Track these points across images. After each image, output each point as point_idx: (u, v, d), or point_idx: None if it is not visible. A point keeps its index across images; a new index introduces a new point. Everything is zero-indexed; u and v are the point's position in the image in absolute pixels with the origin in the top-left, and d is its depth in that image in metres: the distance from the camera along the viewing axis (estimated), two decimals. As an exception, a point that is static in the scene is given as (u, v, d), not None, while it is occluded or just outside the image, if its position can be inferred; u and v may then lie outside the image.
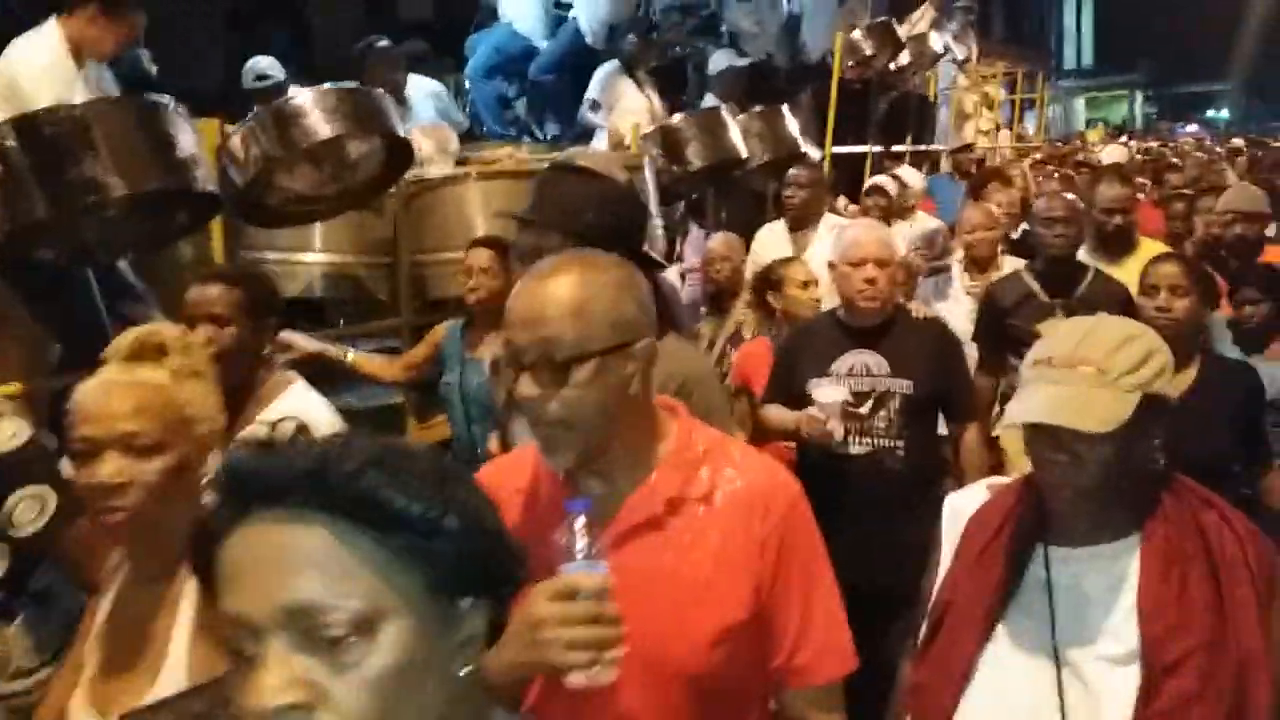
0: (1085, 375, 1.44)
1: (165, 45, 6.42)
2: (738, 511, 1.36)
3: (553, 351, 1.28)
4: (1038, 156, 10.92)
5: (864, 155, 7.91)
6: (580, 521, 1.21)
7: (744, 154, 5.82)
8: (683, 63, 8.00)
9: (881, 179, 5.83)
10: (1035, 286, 3.72)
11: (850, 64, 7.61)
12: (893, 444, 2.90)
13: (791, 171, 4.94)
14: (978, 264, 4.54)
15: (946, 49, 9.28)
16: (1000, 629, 1.52)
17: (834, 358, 2.98)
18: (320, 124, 3.64)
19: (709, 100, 7.18)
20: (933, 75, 9.07)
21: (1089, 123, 35.53)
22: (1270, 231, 4.89)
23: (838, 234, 3.12)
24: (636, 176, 5.15)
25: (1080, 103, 42.33)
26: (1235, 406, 2.74)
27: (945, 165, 9.59)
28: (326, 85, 3.82)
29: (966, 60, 10.03)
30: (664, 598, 1.32)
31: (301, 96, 3.75)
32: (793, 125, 6.48)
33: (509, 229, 4.51)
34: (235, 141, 3.61)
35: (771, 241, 5.00)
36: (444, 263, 4.31)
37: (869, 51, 7.67)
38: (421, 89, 6.44)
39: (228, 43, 8.10)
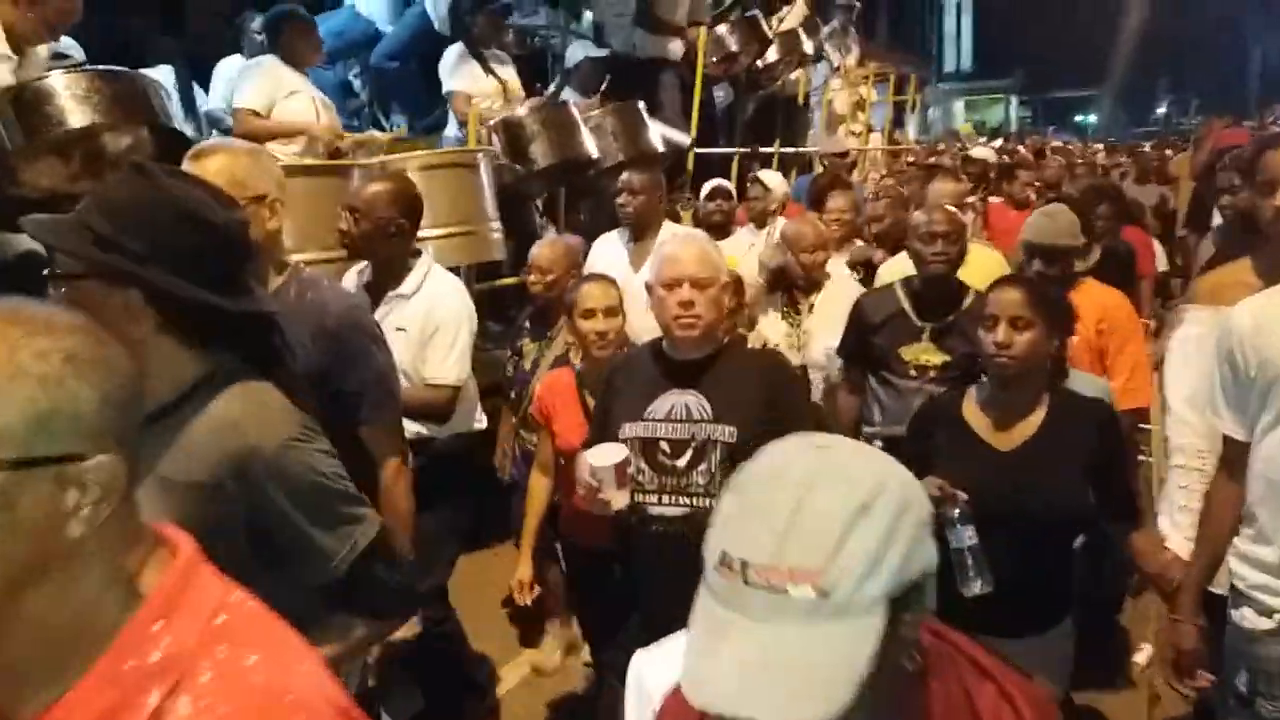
0: (798, 603, 0.91)
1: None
2: None
3: None
4: (910, 160, 10.86)
5: (730, 156, 7.59)
6: None
7: (593, 153, 5.42)
8: (543, 53, 7.55)
9: (719, 182, 5.46)
10: (906, 305, 3.42)
11: (714, 60, 7.27)
12: (715, 504, 2.47)
13: (624, 175, 4.53)
14: (807, 288, 4.09)
15: (819, 50, 9.04)
16: None
17: (651, 398, 2.53)
18: (69, 111, 3.12)
19: (566, 94, 6.77)
20: (803, 76, 8.81)
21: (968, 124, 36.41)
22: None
23: (656, 249, 2.69)
24: (471, 174, 4.74)
25: (959, 105, 43.48)
26: (1087, 450, 2.42)
27: (819, 168, 9.40)
28: (81, 68, 3.29)
29: (840, 67, 9.80)
30: None
31: (51, 79, 3.22)
32: (650, 122, 6.12)
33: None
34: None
35: (607, 254, 4.58)
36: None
37: (734, 47, 7.34)
38: (233, 70, 5.86)
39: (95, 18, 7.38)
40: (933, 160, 8.16)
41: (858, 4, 10.26)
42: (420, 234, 4.45)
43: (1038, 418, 2.46)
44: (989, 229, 7.48)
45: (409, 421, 3.22)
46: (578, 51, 6.81)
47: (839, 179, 6.72)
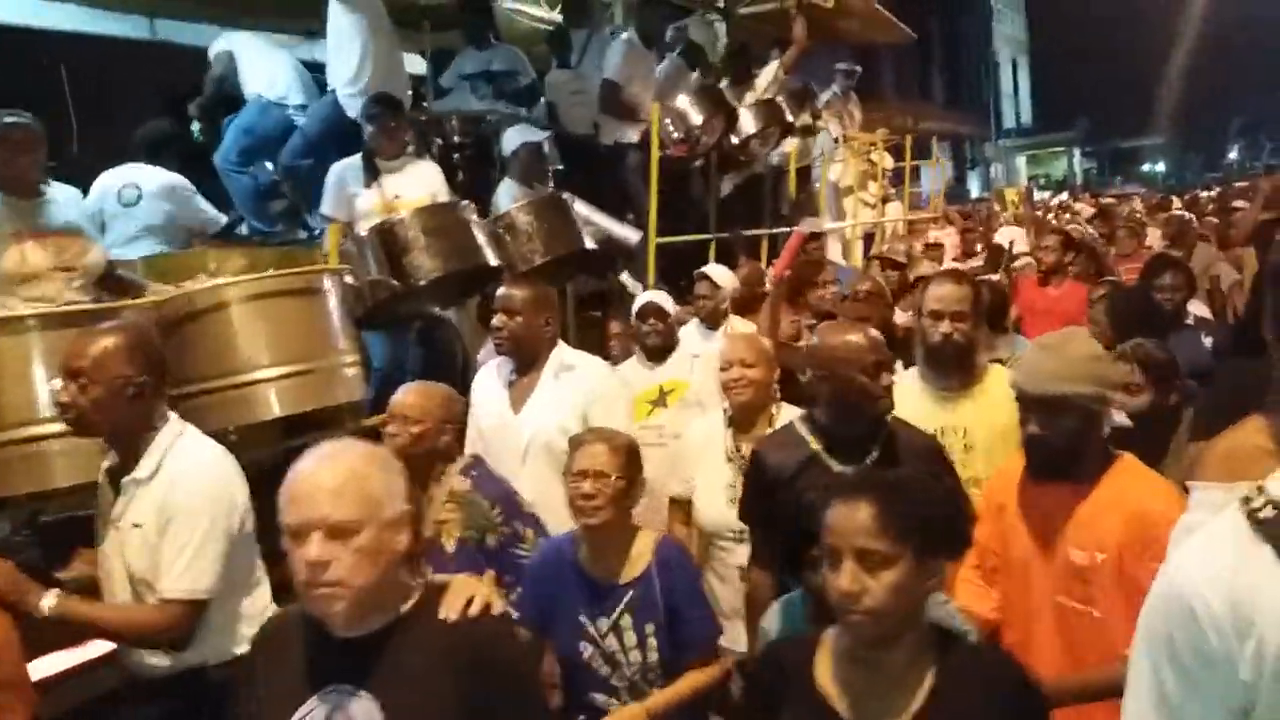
0: None
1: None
2: None
3: None
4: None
5: (705, 244, 6.61)
6: None
7: (491, 261, 4.49)
8: (489, 141, 6.67)
9: (650, 297, 4.45)
10: (817, 447, 2.59)
11: (676, 137, 6.33)
12: None
13: (500, 290, 3.57)
14: (739, 420, 3.24)
15: (817, 118, 8.02)
16: None
17: (297, 703, 1.64)
18: None
19: (505, 185, 5.86)
20: (796, 148, 7.79)
21: (1031, 179, 35.16)
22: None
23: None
24: (311, 301, 3.82)
25: (1021, 160, 42.31)
26: None
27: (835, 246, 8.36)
28: None
29: (840, 137, 8.74)
30: None
31: None
32: (581, 215, 5.18)
33: None
34: None
35: (482, 389, 3.64)
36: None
37: (696, 120, 6.38)
38: (153, 181, 5.08)
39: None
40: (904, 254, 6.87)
41: (858, 69, 9.24)
42: (252, 376, 3.60)
43: (923, 691, 1.63)
44: (1019, 306, 6.31)
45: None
46: (514, 137, 5.88)
47: (819, 267, 5.73)
